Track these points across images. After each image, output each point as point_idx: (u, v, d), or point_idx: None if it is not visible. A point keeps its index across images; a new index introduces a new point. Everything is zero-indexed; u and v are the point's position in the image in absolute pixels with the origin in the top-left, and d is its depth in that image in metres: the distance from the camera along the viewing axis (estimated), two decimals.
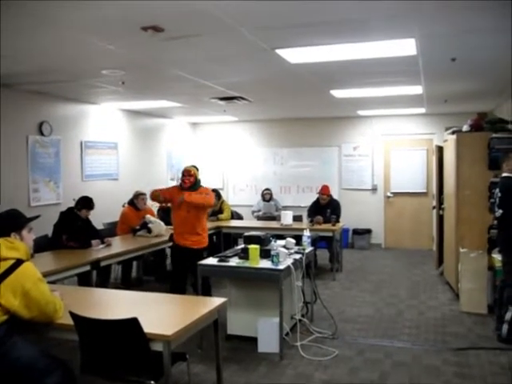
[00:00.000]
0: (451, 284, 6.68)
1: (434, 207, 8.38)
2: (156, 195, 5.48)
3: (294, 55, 4.76)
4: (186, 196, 5.26)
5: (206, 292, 5.10)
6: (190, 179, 5.36)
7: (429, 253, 9.31)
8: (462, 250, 5.90)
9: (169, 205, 5.81)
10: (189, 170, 5.43)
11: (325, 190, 8.23)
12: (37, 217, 3.25)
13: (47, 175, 7.00)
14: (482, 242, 5.89)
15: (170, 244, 5.84)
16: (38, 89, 6.59)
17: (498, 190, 4.94)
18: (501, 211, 4.83)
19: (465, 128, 6.40)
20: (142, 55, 4.77)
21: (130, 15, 3.50)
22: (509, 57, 4.80)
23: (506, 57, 4.82)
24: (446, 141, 7.22)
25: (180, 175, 5.61)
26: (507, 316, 4.69)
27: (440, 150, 7.70)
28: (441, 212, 7.50)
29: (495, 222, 5.19)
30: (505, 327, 4.71)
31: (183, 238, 5.42)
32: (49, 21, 3.61)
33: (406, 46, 4.42)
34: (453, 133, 6.53)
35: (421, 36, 4.11)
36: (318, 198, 8.30)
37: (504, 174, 4.97)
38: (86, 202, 5.86)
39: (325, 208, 8.06)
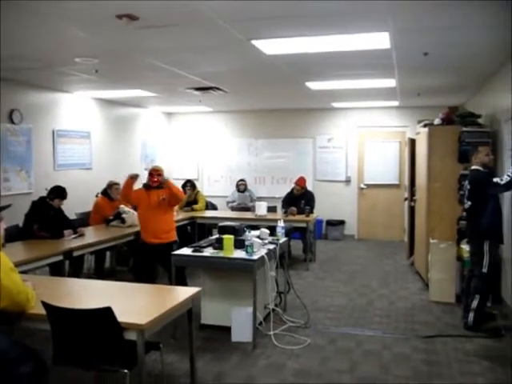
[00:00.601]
0: (421, 274, 6.83)
1: (405, 199, 8.52)
2: (127, 198, 5.67)
3: (270, 46, 4.77)
4: (168, 190, 5.37)
5: (182, 282, 5.11)
6: (158, 178, 5.43)
7: (400, 244, 9.48)
8: (432, 241, 6.03)
9: None
10: (157, 170, 5.51)
11: (300, 181, 8.31)
12: (8, 206, 3.20)
13: (18, 164, 6.87)
14: (452, 233, 6.03)
15: (137, 241, 5.89)
16: (8, 76, 6.43)
17: (467, 183, 5.06)
18: (469, 203, 4.96)
19: (436, 121, 6.51)
20: (117, 43, 4.71)
21: (104, 2, 3.45)
22: (480, 52, 4.91)
23: (477, 52, 4.93)
24: (418, 133, 7.34)
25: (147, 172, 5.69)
26: (473, 304, 4.83)
27: (412, 142, 7.83)
28: (412, 204, 7.64)
29: (464, 213, 5.31)
30: (471, 315, 4.85)
31: (154, 235, 5.43)
32: (21, 8, 3.54)
33: (380, 40, 4.47)
34: (425, 126, 6.64)
35: (394, 30, 4.16)
36: (292, 189, 8.38)
37: (473, 167, 5.08)
38: (59, 192, 5.79)
39: (299, 199, 8.13)
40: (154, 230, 5.42)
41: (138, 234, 5.88)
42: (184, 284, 5.17)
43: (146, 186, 5.51)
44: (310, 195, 8.35)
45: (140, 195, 5.50)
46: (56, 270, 5.22)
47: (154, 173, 5.46)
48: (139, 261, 5.70)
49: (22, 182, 6.93)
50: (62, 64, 5.68)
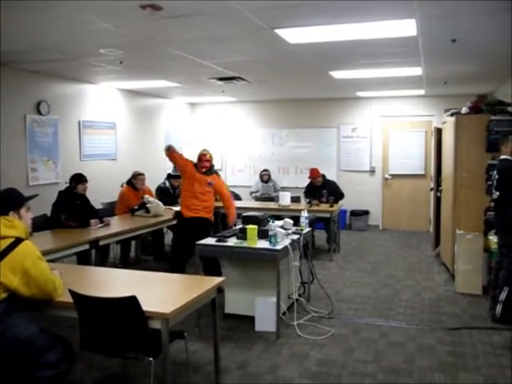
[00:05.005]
0: (447, 265, 6.74)
1: (431, 189, 8.41)
2: (173, 154, 5.82)
3: (294, 35, 4.72)
4: (216, 182, 5.74)
5: (216, 272, 5.28)
6: (206, 164, 5.67)
7: (426, 234, 9.38)
8: (458, 232, 5.94)
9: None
10: (205, 155, 5.71)
11: (313, 173, 8.25)
12: (35, 196, 3.26)
13: (45, 154, 6.99)
14: (479, 224, 5.93)
15: (175, 222, 6.18)
16: (35, 67, 6.54)
17: (495, 173, 4.95)
18: (498, 193, 4.85)
19: (464, 110, 6.37)
20: (141, 34, 4.73)
21: None
22: (509, 39, 4.78)
23: (506, 39, 4.79)
24: (444, 123, 7.21)
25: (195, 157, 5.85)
26: (501, 297, 4.74)
27: (439, 131, 7.70)
28: (438, 194, 7.53)
29: (492, 204, 5.21)
30: (499, 308, 4.77)
31: (192, 210, 5.62)
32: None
33: (406, 27, 4.39)
34: (452, 115, 6.51)
35: (421, 17, 4.08)
36: (311, 181, 8.35)
37: (502, 157, 4.97)
38: (77, 178, 5.91)
39: (320, 189, 8.08)
40: (194, 205, 5.62)
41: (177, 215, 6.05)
42: (218, 273, 5.31)
43: (196, 168, 5.69)
44: (332, 184, 8.30)
45: (188, 166, 5.69)
46: (83, 259, 5.32)
47: (203, 158, 5.69)
48: (177, 239, 5.86)
49: (49, 172, 7.05)
50: (87, 55, 5.74)
